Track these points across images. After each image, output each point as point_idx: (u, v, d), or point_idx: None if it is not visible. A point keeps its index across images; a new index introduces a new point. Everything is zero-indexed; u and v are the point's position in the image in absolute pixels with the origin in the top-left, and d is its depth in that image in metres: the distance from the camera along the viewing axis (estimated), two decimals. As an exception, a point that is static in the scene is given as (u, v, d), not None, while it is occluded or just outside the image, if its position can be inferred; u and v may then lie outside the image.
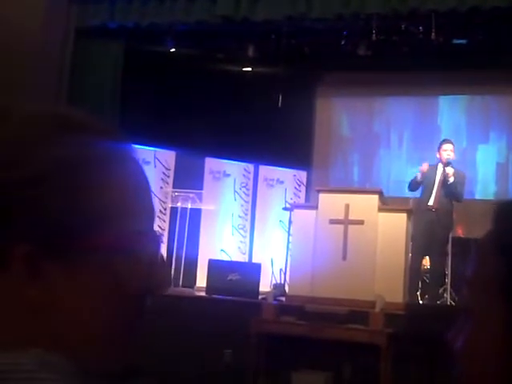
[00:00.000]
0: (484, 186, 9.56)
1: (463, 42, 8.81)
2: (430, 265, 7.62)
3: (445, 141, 7.74)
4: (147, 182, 0.75)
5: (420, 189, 7.65)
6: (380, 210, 6.82)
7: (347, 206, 6.77)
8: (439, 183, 7.41)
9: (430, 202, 7.39)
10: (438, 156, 7.58)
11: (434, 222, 7.31)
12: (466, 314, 0.78)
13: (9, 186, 0.64)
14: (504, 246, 0.73)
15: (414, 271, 7.30)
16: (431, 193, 7.43)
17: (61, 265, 0.66)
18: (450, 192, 7.38)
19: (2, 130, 0.67)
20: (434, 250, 7.47)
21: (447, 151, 7.48)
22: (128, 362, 0.72)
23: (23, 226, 0.64)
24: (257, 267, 7.62)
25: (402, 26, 8.34)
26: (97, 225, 0.67)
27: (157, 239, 0.75)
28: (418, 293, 7.81)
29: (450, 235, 7.70)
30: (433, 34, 7.92)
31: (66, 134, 0.69)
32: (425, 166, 7.47)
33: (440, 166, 7.49)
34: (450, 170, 7.35)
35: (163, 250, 8.90)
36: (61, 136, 0.69)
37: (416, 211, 7.28)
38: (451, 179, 7.33)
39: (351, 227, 6.71)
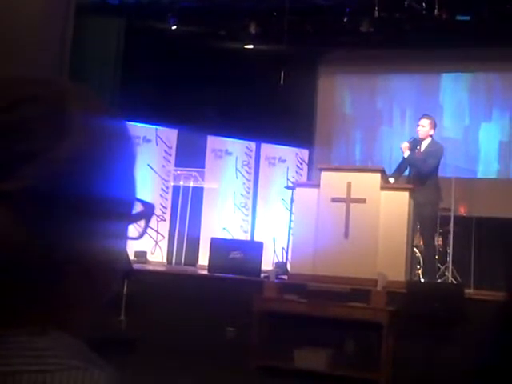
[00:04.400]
0: (486, 165, 9.53)
1: (467, 18, 8.73)
2: (424, 243, 7.58)
3: (422, 116, 7.64)
4: (133, 161, 0.75)
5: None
6: (382, 188, 6.81)
7: (349, 185, 6.76)
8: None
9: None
10: None
11: (418, 200, 7.18)
12: None
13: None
14: None
15: (413, 249, 7.30)
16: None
17: None
18: (415, 167, 7.30)
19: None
20: (423, 227, 7.42)
21: (419, 126, 7.44)
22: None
23: None
24: (259, 245, 7.64)
25: (405, 3, 8.27)
26: (109, 199, 0.68)
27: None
28: (420, 271, 7.82)
29: (452, 213, 7.68)
30: (436, 10, 7.86)
31: (45, 104, 0.67)
32: (404, 145, 7.41)
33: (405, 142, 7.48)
34: (403, 145, 7.32)
35: (165, 228, 8.93)
36: (65, 113, 0.67)
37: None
38: (406, 154, 7.28)
39: (353, 205, 6.71)
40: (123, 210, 0.71)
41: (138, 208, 0.73)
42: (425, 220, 7.32)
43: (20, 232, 0.62)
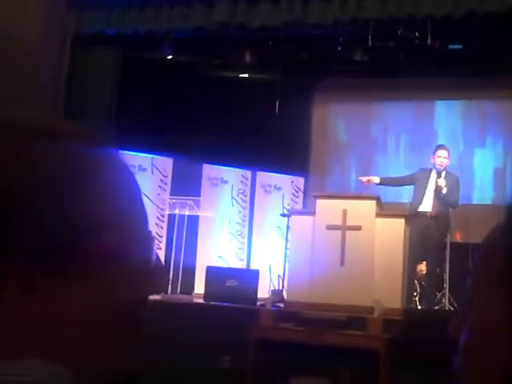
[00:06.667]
0: (481, 191, 9.56)
1: (459, 47, 8.83)
2: (427, 270, 7.59)
3: (440, 146, 7.65)
4: (137, 188, 0.74)
5: (412, 193, 7.66)
6: (377, 215, 6.83)
7: (345, 212, 6.78)
8: (434, 191, 7.36)
9: (424, 208, 7.34)
10: (432, 161, 7.53)
11: (430, 228, 7.27)
12: (470, 308, 0.78)
13: None
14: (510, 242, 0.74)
15: (411, 276, 7.30)
16: (423, 198, 7.40)
17: (56, 277, 0.66)
18: (445, 202, 7.34)
19: None
20: (430, 255, 7.44)
21: (441, 158, 7.37)
22: (125, 369, 0.72)
23: (15, 241, 0.64)
24: (255, 273, 7.61)
25: (399, 32, 8.36)
26: (90, 234, 0.67)
27: (151, 243, 0.75)
28: (417, 298, 7.80)
29: (448, 240, 7.70)
30: (429, 39, 7.94)
31: (51, 144, 0.68)
32: (443, 182, 7.32)
33: (434, 173, 7.44)
34: (442, 182, 7.25)
35: (161, 256, 8.90)
36: (46, 145, 0.67)
37: (410, 216, 7.25)
38: (444, 190, 7.27)
39: (349, 233, 6.72)
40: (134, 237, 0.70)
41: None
42: (433, 248, 7.33)
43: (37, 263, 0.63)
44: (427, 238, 7.25)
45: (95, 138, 0.73)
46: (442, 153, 7.42)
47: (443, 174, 7.39)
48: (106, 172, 0.71)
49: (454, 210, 7.58)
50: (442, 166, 7.38)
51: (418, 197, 7.42)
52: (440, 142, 8.76)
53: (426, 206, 7.34)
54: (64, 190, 0.66)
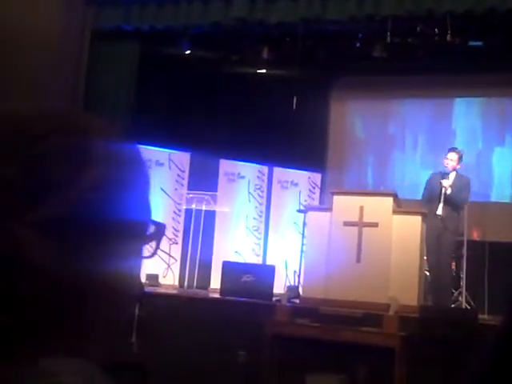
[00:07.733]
0: (500, 189, 9.48)
1: (479, 43, 8.75)
2: (441, 270, 7.57)
3: (451, 149, 7.72)
4: (148, 184, 0.76)
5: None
6: (394, 212, 6.80)
7: (361, 209, 6.76)
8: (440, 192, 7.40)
9: (437, 210, 7.36)
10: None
11: (440, 229, 7.26)
12: None
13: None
14: None
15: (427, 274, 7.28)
16: (436, 199, 7.41)
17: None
18: (449, 202, 7.34)
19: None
20: (442, 254, 7.42)
21: (448, 160, 7.48)
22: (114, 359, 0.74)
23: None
24: (271, 269, 7.62)
25: (418, 28, 8.31)
26: (106, 228, 0.69)
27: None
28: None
29: (465, 238, 7.66)
30: (448, 35, 7.89)
31: (67, 137, 0.69)
32: (447, 183, 7.33)
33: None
34: (445, 183, 7.31)
35: (177, 251, 8.94)
36: (62, 139, 0.69)
37: (425, 219, 7.24)
38: (448, 191, 7.29)
39: (365, 229, 6.70)
40: (140, 231, 0.73)
41: (151, 229, 0.75)
42: (444, 247, 7.32)
43: (56, 259, 0.64)
44: (439, 238, 7.24)
45: (116, 133, 0.75)
46: (450, 155, 7.53)
47: (453, 175, 7.42)
48: (130, 170, 0.73)
49: (472, 207, 7.54)
50: (447, 167, 7.44)
51: (435, 200, 7.44)
52: (458, 140, 8.74)
53: (439, 208, 7.37)
54: (85, 182, 0.68)
